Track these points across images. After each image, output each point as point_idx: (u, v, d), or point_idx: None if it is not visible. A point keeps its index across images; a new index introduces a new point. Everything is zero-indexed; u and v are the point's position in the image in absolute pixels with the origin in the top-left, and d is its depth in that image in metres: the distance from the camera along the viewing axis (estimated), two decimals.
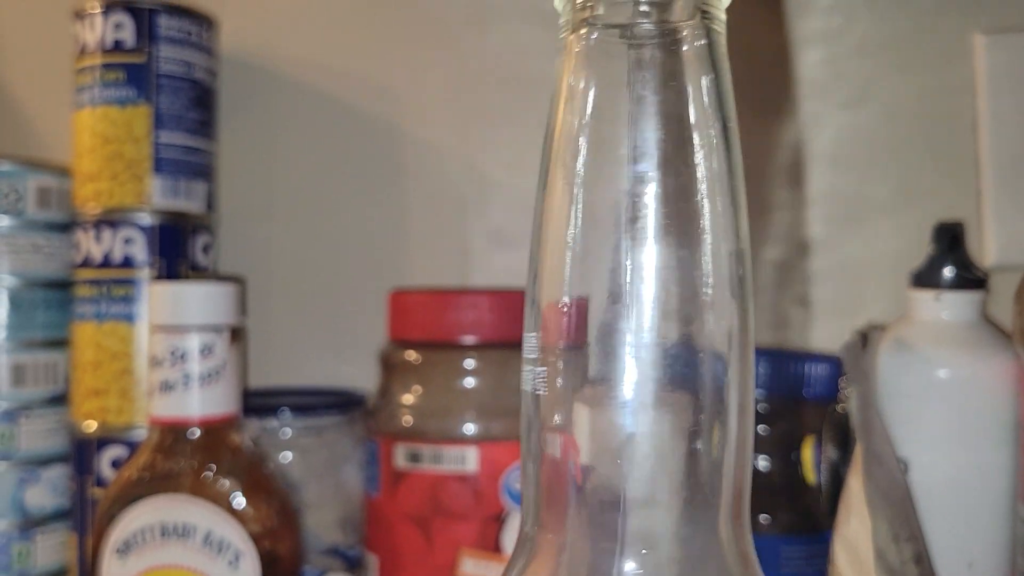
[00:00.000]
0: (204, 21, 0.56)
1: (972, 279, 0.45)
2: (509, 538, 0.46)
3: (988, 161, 0.56)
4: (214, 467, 0.42)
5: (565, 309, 0.20)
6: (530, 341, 0.21)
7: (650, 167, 0.20)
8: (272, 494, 0.43)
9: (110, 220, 0.53)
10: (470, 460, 0.47)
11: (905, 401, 0.43)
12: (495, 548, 0.47)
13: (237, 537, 0.40)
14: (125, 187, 0.53)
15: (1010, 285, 0.44)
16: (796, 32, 0.58)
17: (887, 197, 0.58)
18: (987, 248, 0.55)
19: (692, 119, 0.20)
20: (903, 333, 0.45)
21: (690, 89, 0.20)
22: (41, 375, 0.54)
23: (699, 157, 0.20)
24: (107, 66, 0.53)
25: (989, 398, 0.43)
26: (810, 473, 0.46)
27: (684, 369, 0.20)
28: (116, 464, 0.51)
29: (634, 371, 0.20)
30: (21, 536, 0.52)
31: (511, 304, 0.49)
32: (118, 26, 0.53)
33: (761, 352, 0.48)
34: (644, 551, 0.20)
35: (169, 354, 0.41)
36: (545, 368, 0.21)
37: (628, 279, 0.20)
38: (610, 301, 0.20)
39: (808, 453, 0.46)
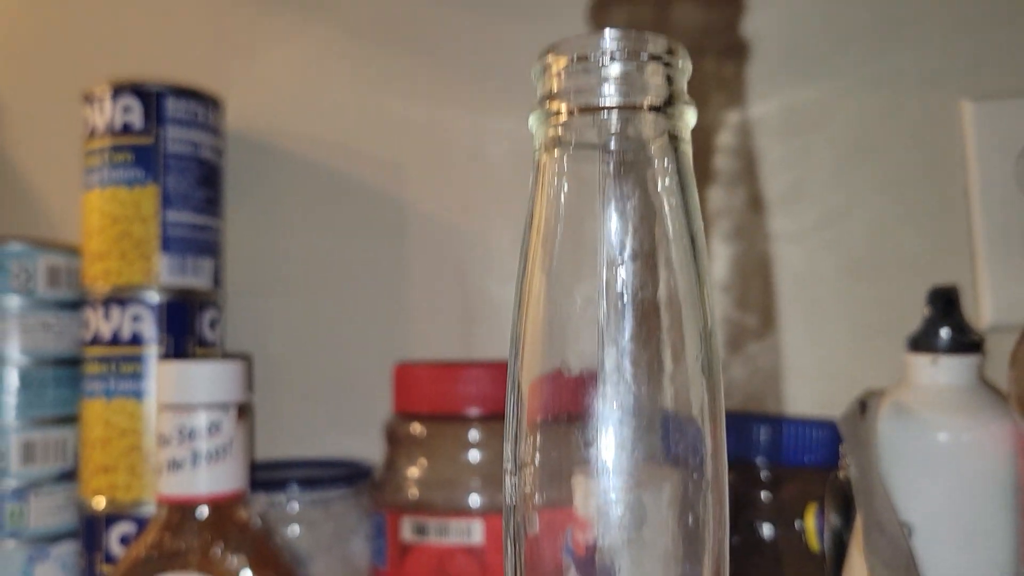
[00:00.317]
0: (210, 102, 0.57)
1: (968, 342, 0.45)
2: None
3: (980, 224, 0.56)
4: (222, 544, 0.42)
5: (545, 385, 0.22)
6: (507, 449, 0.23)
7: (625, 260, 0.21)
8: (280, 569, 0.44)
9: (119, 298, 0.53)
10: (476, 532, 0.47)
11: (907, 466, 0.44)
12: None
13: None
14: (133, 266, 0.54)
15: (1006, 345, 0.45)
16: (769, 107, 0.60)
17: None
18: (982, 310, 0.56)
19: (662, 219, 0.22)
20: (902, 398, 0.45)
21: (661, 191, 0.22)
22: (51, 452, 0.54)
23: (671, 251, 0.22)
24: (116, 148, 0.54)
25: (989, 462, 0.43)
26: (814, 541, 0.46)
27: (664, 443, 0.21)
28: (125, 540, 0.51)
29: (615, 447, 0.21)
30: None
31: None
32: (127, 109, 0.54)
33: (762, 419, 0.49)
34: None
35: (177, 432, 0.42)
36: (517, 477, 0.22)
37: (604, 358, 0.21)
38: (588, 380, 0.21)
39: (811, 520, 0.46)
